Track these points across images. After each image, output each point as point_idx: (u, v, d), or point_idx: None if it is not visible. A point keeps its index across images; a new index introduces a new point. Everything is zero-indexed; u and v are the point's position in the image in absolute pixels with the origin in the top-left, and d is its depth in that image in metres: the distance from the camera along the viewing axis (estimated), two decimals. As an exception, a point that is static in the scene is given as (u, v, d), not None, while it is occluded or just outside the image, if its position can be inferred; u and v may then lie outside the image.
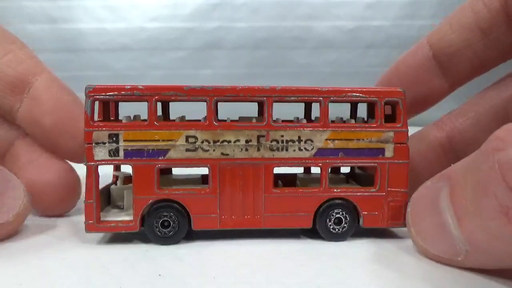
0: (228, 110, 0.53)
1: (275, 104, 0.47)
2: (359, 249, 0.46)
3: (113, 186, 0.54)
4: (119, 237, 0.49)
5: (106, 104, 0.51)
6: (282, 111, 0.50)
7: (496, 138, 0.33)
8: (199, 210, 0.47)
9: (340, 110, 0.52)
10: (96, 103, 0.47)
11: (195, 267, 0.41)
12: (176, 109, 0.55)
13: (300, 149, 0.47)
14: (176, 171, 0.55)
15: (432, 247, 0.42)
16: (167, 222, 0.47)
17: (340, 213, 0.48)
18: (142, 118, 0.50)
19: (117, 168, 0.55)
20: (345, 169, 0.58)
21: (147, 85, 0.46)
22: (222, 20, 1.47)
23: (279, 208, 0.47)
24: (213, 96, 0.46)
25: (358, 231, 0.49)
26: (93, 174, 0.46)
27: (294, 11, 1.47)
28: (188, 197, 0.47)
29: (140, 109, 0.49)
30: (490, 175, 0.33)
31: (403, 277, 0.39)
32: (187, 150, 0.46)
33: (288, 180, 0.55)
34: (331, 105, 0.48)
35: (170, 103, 0.56)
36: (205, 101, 0.46)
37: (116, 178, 0.55)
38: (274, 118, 0.47)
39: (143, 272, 0.40)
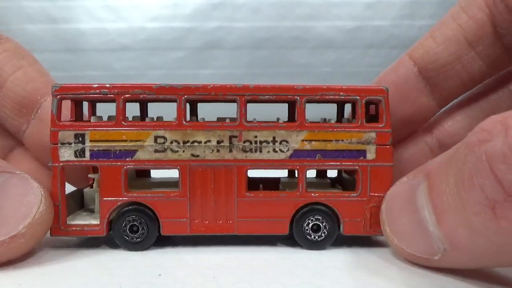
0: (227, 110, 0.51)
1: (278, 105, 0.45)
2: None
3: (86, 189, 0.52)
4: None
5: (78, 104, 0.49)
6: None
7: (482, 129, 0.32)
8: (168, 214, 0.45)
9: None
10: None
11: (195, 267, 0.40)
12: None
13: (274, 151, 0.45)
14: (157, 174, 0.53)
15: (408, 246, 0.40)
16: (136, 226, 0.45)
17: (318, 219, 0.46)
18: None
19: (94, 170, 0.54)
20: (332, 174, 0.55)
21: (114, 84, 0.44)
22: (222, 20, 1.45)
23: (252, 213, 0.45)
24: (183, 94, 0.44)
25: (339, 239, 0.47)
26: (58, 175, 0.44)
27: (294, 11, 1.45)
28: (157, 200, 0.45)
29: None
30: (477, 166, 0.31)
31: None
32: (156, 151, 0.44)
33: (274, 185, 0.53)
34: (324, 106, 0.45)
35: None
36: (175, 100, 0.44)
37: (92, 180, 0.54)
38: (251, 119, 0.45)
39: (143, 272, 0.39)
